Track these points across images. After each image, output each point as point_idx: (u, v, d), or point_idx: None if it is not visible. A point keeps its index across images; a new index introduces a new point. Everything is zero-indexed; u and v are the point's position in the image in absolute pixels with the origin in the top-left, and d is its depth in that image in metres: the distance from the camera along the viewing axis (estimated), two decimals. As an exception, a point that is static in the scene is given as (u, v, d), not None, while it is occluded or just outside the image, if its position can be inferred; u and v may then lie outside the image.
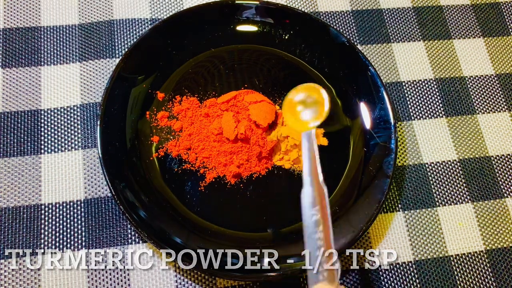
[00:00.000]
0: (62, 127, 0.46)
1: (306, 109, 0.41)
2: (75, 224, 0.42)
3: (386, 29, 0.54)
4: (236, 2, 0.49)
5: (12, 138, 0.45)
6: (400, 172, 0.47)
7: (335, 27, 0.51)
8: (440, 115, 0.50)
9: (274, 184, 0.44)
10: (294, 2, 0.54)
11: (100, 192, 0.43)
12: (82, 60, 0.48)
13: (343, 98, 0.48)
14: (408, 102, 0.50)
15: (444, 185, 0.47)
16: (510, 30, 0.56)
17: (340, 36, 0.49)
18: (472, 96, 0.52)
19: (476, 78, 0.53)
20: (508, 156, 0.49)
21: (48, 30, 0.49)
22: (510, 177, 0.48)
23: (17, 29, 0.49)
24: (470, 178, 0.48)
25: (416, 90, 0.51)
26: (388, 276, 0.43)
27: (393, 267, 0.43)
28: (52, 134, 0.45)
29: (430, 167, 0.48)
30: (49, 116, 0.46)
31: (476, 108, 0.51)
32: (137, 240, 0.42)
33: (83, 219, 0.42)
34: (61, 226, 0.42)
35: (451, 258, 0.44)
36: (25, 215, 0.42)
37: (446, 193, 0.47)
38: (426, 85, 0.51)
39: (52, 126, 0.45)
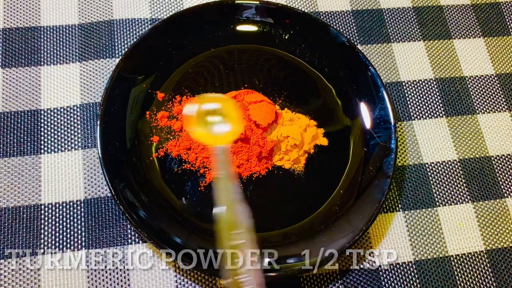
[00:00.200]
0: (62, 127, 0.46)
1: (218, 122, 0.39)
2: (75, 224, 0.42)
3: (386, 29, 0.54)
4: (236, 2, 0.49)
5: (12, 138, 0.45)
6: (400, 172, 0.47)
7: (335, 27, 0.51)
8: (440, 115, 0.50)
9: (274, 184, 0.44)
10: (294, 2, 0.54)
11: (100, 192, 0.43)
12: (82, 60, 0.48)
13: (343, 98, 0.48)
14: (408, 102, 0.50)
15: (444, 185, 0.47)
16: (510, 30, 0.56)
17: (340, 36, 0.49)
18: (472, 96, 0.51)
19: (476, 78, 0.52)
20: (508, 156, 0.49)
21: (48, 30, 0.49)
22: (510, 177, 0.48)
23: (17, 29, 0.49)
24: (470, 178, 0.48)
25: (416, 90, 0.51)
26: (388, 276, 0.43)
27: (393, 267, 0.43)
28: (52, 134, 0.45)
29: (430, 167, 0.48)
30: (49, 116, 0.46)
31: (476, 108, 0.51)
32: (137, 240, 0.42)
33: (83, 219, 0.42)
34: (61, 226, 0.42)
35: (451, 258, 0.44)
36: (25, 215, 0.42)
37: (446, 193, 0.47)
38: (426, 85, 0.51)
39: (52, 126, 0.45)
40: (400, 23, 0.54)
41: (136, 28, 0.50)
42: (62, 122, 0.46)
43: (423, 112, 0.50)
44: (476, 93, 0.52)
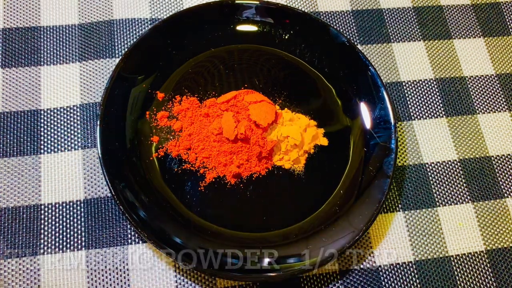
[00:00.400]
0: (62, 127, 0.45)
1: None
2: (75, 224, 0.42)
3: (386, 29, 0.54)
4: (236, 2, 0.49)
5: (12, 138, 0.45)
6: (400, 172, 0.47)
7: (335, 27, 0.51)
8: (440, 115, 0.50)
9: (274, 184, 0.44)
10: (294, 2, 0.54)
11: (100, 192, 0.43)
12: (82, 60, 0.48)
13: (343, 98, 0.48)
14: (408, 102, 0.50)
15: (444, 185, 0.47)
16: (510, 30, 0.56)
17: (340, 36, 0.48)
18: (472, 96, 0.51)
19: (476, 78, 0.52)
20: (508, 156, 0.49)
21: (48, 30, 0.49)
22: (510, 177, 0.48)
23: (17, 29, 0.49)
24: (470, 178, 0.48)
25: (416, 90, 0.51)
26: (388, 276, 0.43)
27: (393, 267, 0.43)
28: (52, 134, 0.45)
29: (430, 167, 0.48)
30: (48, 116, 0.46)
31: (476, 108, 0.51)
32: (137, 240, 0.42)
33: (83, 219, 0.42)
34: (61, 226, 0.42)
35: (451, 258, 0.44)
36: (25, 215, 0.42)
37: (446, 193, 0.47)
38: (426, 85, 0.51)
39: (52, 126, 0.45)
40: (400, 23, 0.54)
41: (136, 28, 0.50)
42: (62, 122, 0.46)
43: (423, 112, 0.50)
44: (476, 93, 0.52)
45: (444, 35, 0.54)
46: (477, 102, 0.51)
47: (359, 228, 0.41)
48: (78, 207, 0.43)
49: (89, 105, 0.46)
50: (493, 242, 0.45)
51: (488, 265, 0.44)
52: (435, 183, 0.47)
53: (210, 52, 0.49)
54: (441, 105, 0.51)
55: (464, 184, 0.47)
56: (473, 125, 0.50)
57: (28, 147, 0.44)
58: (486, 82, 0.52)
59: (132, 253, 0.41)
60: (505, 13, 0.56)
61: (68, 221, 0.42)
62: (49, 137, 0.45)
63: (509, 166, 0.48)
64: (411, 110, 0.50)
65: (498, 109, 0.51)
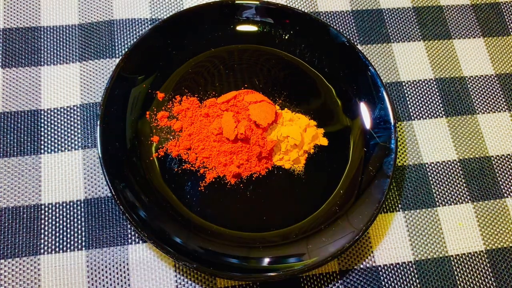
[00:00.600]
0: (62, 127, 0.46)
1: None
2: (75, 224, 0.42)
3: (386, 29, 0.54)
4: (236, 2, 0.49)
5: (12, 138, 0.45)
6: (400, 172, 0.47)
7: (335, 27, 0.51)
8: (440, 115, 0.50)
9: (274, 184, 0.44)
10: (294, 2, 0.54)
11: (100, 192, 0.43)
12: (82, 60, 0.48)
13: (343, 98, 0.48)
14: (408, 102, 0.50)
15: (444, 185, 0.47)
16: (510, 30, 0.56)
17: (340, 36, 0.49)
18: (472, 96, 0.52)
19: (476, 78, 0.53)
20: (508, 156, 0.49)
21: (48, 30, 0.49)
22: (510, 177, 0.48)
23: (17, 29, 0.49)
24: (470, 178, 0.48)
25: (416, 90, 0.51)
26: (388, 276, 0.43)
27: (393, 267, 0.43)
28: (52, 134, 0.45)
29: (430, 167, 0.48)
30: (49, 116, 0.46)
31: (476, 108, 0.51)
32: (137, 240, 0.42)
33: (83, 219, 0.42)
34: (61, 226, 0.42)
35: (451, 258, 0.44)
36: (25, 215, 0.42)
37: (446, 193, 0.47)
38: (426, 85, 0.51)
39: (52, 126, 0.45)
40: (400, 23, 0.54)
41: (136, 28, 0.50)
42: (62, 122, 0.46)
43: (423, 112, 0.50)
44: (476, 93, 0.52)
45: (444, 35, 0.54)
46: (477, 102, 0.51)
47: (359, 228, 0.41)
48: (78, 207, 0.43)
49: (89, 105, 0.47)
50: (493, 242, 0.45)
51: (488, 265, 0.44)
52: (435, 183, 0.47)
53: (210, 52, 0.49)
54: (441, 105, 0.51)
55: (464, 184, 0.47)
56: (473, 125, 0.50)
57: (29, 147, 0.44)
58: (486, 82, 0.52)
59: (132, 253, 0.42)
60: (504, 13, 0.56)
61: (68, 221, 0.42)
62: (49, 137, 0.45)
63: (509, 166, 0.48)
64: (411, 110, 0.50)
65: (498, 109, 0.51)
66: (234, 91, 0.46)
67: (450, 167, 0.48)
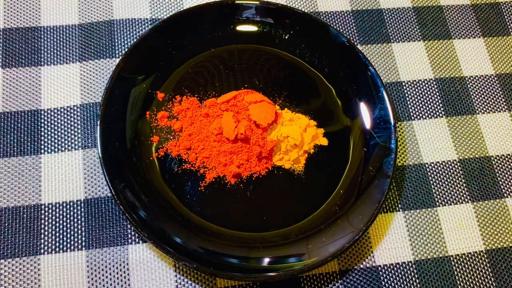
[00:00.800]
0: (62, 127, 0.46)
1: None
2: (75, 224, 0.42)
3: (386, 29, 0.54)
4: (236, 2, 0.49)
5: (12, 138, 0.45)
6: (400, 172, 0.47)
7: (335, 27, 0.51)
8: (440, 115, 0.50)
9: (274, 184, 0.44)
10: (294, 2, 0.54)
11: (100, 192, 0.43)
12: (82, 60, 0.48)
13: (343, 98, 0.48)
14: (408, 102, 0.50)
15: (444, 185, 0.47)
16: (510, 30, 0.56)
17: (340, 36, 0.49)
18: (472, 96, 0.52)
19: (476, 78, 0.53)
20: (508, 156, 0.49)
21: (48, 30, 0.49)
22: (510, 177, 0.48)
23: (17, 29, 0.49)
24: (470, 178, 0.48)
25: (416, 90, 0.51)
26: (388, 276, 0.43)
27: (393, 267, 0.43)
28: (52, 134, 0.45)
29: (430, 167, 0.48)
30: (49, 116, 0.46)
31: (476, 108, 0.51)
32: (137, 240, 0.42)
33: (83, 219, 0.42)
34: (61, 226, 0.42)
35: (451, 258, 0.44)
36: (25, 215, 0.42)
37: (446, 193, 0.47)
38: (426, 85, 0.51)
39: (52, 126, 0.45)
40: (400, 23, 0.54)
41: (136, 28, 0.50)
42: (62, 122, 0.46)
43: (423, 112, 0.50)
44: (476, 93, 0.52)
45: (444, 35, 0.54)
46: (476, 102, 0.51)
47: (359, 228, 0.41)
48: (78, 207, 0.43)
49: (89, 105, 0.47)
50: (493, 242, 0.45)
51: (488, 265, 0.44)
52: (435, 183, 0.47)
53: (210, 52, 0.49)
54: (441, 105, 0.51)
55: (464, 184, 0.47)
56: (473, 125, 0.50)
57: (29, 147, 0.44)
58: (486, 82, 0.52)
59: (132, 253, 0.42)
60: (504, 13, 0.56)
61: (68, 221, 0.42)
62: (49, 137, 0.45)
63: (509, 166, 0.48)
64: (411, 110, 0.50)
65: (498, 109, 0.51)
66: (234, 91, 0.46)
67: (450, 167, 0.48)
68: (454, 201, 0.46)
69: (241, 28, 0.50)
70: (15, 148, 0.44)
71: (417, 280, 0.43)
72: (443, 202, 0.46)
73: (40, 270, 0.40)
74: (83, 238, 0.41)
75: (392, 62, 0.52)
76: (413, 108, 0.50)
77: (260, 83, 0.48)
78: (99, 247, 0.41)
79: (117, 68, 0.44)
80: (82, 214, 0.42)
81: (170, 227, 0.41)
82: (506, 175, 0.48)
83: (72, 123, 0.46)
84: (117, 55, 0.49)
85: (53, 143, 0.45)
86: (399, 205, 0.46)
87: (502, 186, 0.47)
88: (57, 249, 0.41)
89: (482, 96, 0.52)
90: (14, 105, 0.46)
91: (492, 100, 0.52)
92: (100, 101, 0.43)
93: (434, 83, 0.52)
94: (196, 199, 0.43)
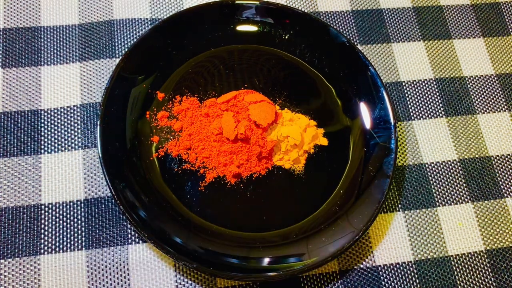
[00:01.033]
0: (62, 127, 0.46)
1: None
2: (75, 224, 0.42)
3: (386, 29, 0.54)
4: (236, 2, 0.49)
5: (12, 138, 0.45)
6: (400, 172, 0.47)
7: (335, 27, 0.52)
8: (440, 115, 0.50)
9: (274, 184, 0.44)
10: (294, 2, 0.54)
11: (100, 192, 0.43)
12: (82, 60, 0.48)
13: (343, 98, 0.48)
14: (408, 102, 0.50)
15: (444, 185, 0.47)
16: (510, 30, 0.56)
17: (340, 36, 0.49)
18: (472, 96, 0.52)
19: (476, 78, 0.53)
20: (508, 156, 0.49)
21: (48, 30, 0.49)
22: (510, 177, 0.48)
23: (17, 29, 0.49)
24: (470, 178, 0.48)
25: (416, 90, 0.51)
26: (388, 276, 0.43)
27: (393, 267, 0.43)
28: (52, 134, 0.45)
29: (430, 167, 0.48)
30: (49, 116, 0.46)
31: (476, 108, 0.51)
32: (137, 240, 0.42)
33: (83, 219, 0.42)
34: (61, 226, 0.42)
35: (451, 258, 0.44)
36: (25, 215, 0.42)
37: (446, 193, 0.47)
38: (426, 85, 0.51)
39: (52, 126, 0.45)
40: (400, 23, 0.54)
41: (136, 28, 0.50)
42: (62, 122, 0.46)
43: (423, 112, 0.50)
44: (476, 93, 0.52)
45: (444, 35, 0.54)
46: (476, 102, 0.51)
47: (359, 228, 0.41)
48: (78, 207, 0.43)
49: (89, 105, 0.47)
50: (493, 242, 0.45)
51: (488, 265, 0.44)
52: (435, 183, 0.47)
53: (210, 52, 0.49)
54: (441, 105, 0.51)
55: (464, 184, 0.47)
56: (473, 125, 0.50)
57: (29, 147, 0.44)
58: (486, 82, 0.52)
59: (132, 253, 0.42)
60: (504, 13, 0.56)
61: (68, 221, 0.42)
62: (49, 137, 0.45)
63: (509, 166, 0.48)
64: (411, 110, 0.50)
65: (498, 109, 0.51)
66: (234, 91, 0.46)
67: (450, 167, 0.48)
68: (454, 201, 0.46)
69: (241, 28, 0.50)
70: (15, 148, 0.44)
71: (417, 280, 0.43)
72: (443, 202, 0.46)
73: (40, 270, 0.40)
74: (83, 238, 0.41)
75: (392, 62, 0.52)
76: (413, 108, 0.50)
77: (260, 83, 0.48)
78: (99, 247, 0.41)
79: (117, 68, 0.44)
80: (82, 214, 0.42)
81: (170, 227, 0.41)
82: (506, 175, 0.48)
83: (72, 123, 0.46)
84: (117, 55, 0.49)
85: (53, 143, 0.45)
86: (399, 205, 0.46)
87: (502, 186, 0.47)
88: (57, 249, 0.41)
89: (482, 96, 0.52)
90: (14, 105, 0.46)
91: (492, 100, 0.52)
92: (100, 101, 0.43)
93: (434, 83, 0.52)
94: (196, 199, 0.43)
